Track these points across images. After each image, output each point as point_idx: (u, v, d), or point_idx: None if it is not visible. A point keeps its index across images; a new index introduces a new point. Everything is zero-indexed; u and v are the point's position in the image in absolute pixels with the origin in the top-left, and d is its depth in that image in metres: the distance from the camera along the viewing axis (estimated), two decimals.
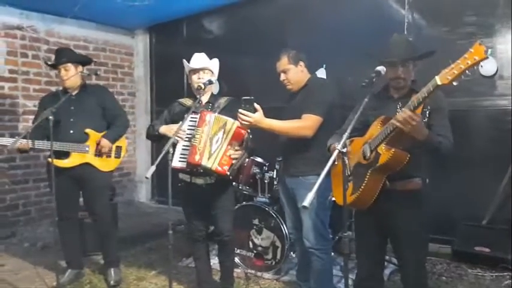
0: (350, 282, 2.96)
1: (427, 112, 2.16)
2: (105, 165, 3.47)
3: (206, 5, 5.35)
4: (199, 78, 2.92)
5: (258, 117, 2.61)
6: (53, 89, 5.34)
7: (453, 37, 4.02)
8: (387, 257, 3.32)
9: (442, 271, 3.65)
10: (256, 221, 3.67)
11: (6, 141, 3.28)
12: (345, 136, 1.95)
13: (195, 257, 3.21)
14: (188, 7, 5.36)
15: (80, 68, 3.48)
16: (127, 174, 6.44)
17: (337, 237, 3.70)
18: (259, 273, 3.61)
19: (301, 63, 2.87)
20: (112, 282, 3.47)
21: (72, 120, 3.39)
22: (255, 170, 3.86)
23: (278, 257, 3.55)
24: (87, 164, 3.39)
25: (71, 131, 3.37)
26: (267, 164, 3.91)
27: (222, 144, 2.77)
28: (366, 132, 2.28)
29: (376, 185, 2.17)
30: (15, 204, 5.08)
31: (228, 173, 2.77)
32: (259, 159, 3.89)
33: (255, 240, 3.68)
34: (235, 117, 2.70)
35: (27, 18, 5.14)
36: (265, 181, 3.83)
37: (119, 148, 3.54)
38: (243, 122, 2.62)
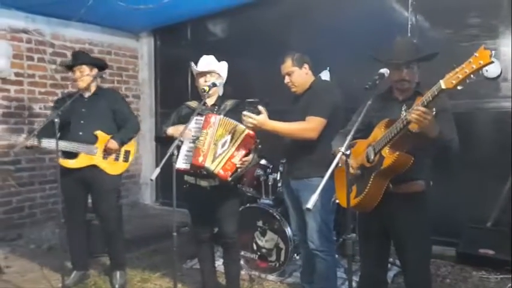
0: (354, 284, 2.98)
1: (433, 114, 2.16)
2: (112, 168, 3.46)
3: (210, 8, 5.37)
4: (206, 81, 2.92)
5: (262, 119, 2.62)
6: (58, 92, 5.41)
7: (457, 39, 4.02)
8: (391, 259, 3.33)
9: (447, 273, 3.65)
10: (260, 223, 3.67)
11: (15, 139, 3.33)
12: (348, 138, 1.96)
13: (200, 259, 3.22)
14: (192, 10, 5.38)
15: (95, 71, 3.52)
16: (132, 176, 6.46)
17: (341, 239, 3.71)
18: (263, 275, 3.61)
19: (306, 65, 2.88)
20: (117, 286, 3.48)
21: (82, 122, 3.42)
22: (259, 172, 3.88)
23: (282, 259, 3.56)
24: (95, 167, 3.40)
25: (80, 133, 3.40)
26: (270, 166, 3.92)
27: (229, 148, 2.76)
28: (370, 134, 2.29)
29: (379, 188, 2.18)
30: (21, 207, 5.11)
31: (230, 179, 2.76)
32: (263, 162, 3.89)
33: (259, 242, 3.68)
34: (240, 120, 2.70)
35: (33, 21, 5.18)
36: (269, 183, 3.84)
37: (127, 152, 3.53)
38: (247, 124, 2.64)
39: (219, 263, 3.35)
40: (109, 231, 3.53)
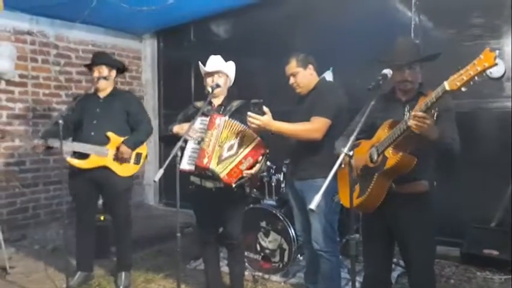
0: (357, 284, 2.97)
1: (435, 114, 2.16)
2: (123, 170, 3.46)
3: (213, 9, 5.38)
4: (213, 82, 2.92)
5: (266, 120, 2.62)
6: (62, 93, 5.44)
7: (460, 39, 4.02)
8: (395, 260, 3.33)
9: (451, 274, 3.64)
10: (263, 224, 3.67)
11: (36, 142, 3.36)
12: (351, 139, 1.96)
13: (205, 260, 3.22)
14: (195, 11, 5.38)
15: (114, 72, 3.55)
16: (135, 177, 6.43)
17: (344, 240, 3.70)
18: (266, 276, 3.62)
19: (310, 66, 2.89)
20: (121, 287, 3.49)
21: (95, 122, 3.44)
22: (262, 173, 3.87)
23: (285, 259, 3.56)
24: (106, 168, 3.40)
25: (92, 133, 3.41)
26: (274, 167, 3.92)
27: (237, 154, 2.74)
28: (373, 134, 2.29)
29: (382, 189, 2.18)
30: (26, 207, 5.13)
31: (233, 185, 2.74)
32: (266, 163, 3.89)
33: (262, 243, 3.68)
34: (245, 121, 2.70)
35: (37, 23, 5.20)
36: (273, 184, 3.84)
37: (139, 155, 3.52)
38: (252, 124, 2.64)
39: (223, 264, 3.35)
40: (119, 231, 3.55)
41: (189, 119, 2.95)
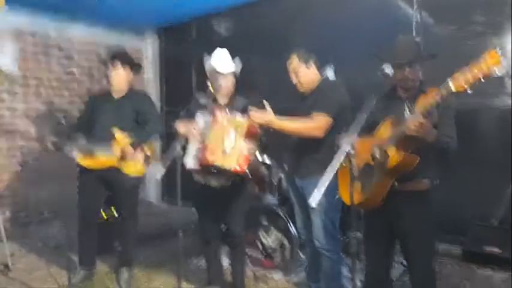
0: (359, 282, 2.98)
1: (436, 111, 2.16)
2: (132, 170, 3.46)
3: (215, 7, 5.38)
4: (226, 82, 2.93)
5: (269, 117, 2.63)
6: (65, 92, 5.45)
7: (462, 36, 3.99)
8: (396, 258, 3.32)
9: (452, 271, 3.64)
10: (264, 221, 3.68)
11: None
12: (352, 137, 1.96)
13: (206, 258, 3.24)
14: (197, 9, 5.39)
15: (131, 73, 3.55)
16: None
17: (346, 238, 3.70)
18: (268, 274, 3.62)
19: (312, 64, 2.89)
20: (123, 283, 3.50)
21: (107, 122, 3.44)
22: (264, 170, 3.88)
23: (287, 257, 3.56)
24: (114, 167, 3.41)
25: (102, 133, 3.42)
26: (275, 165, 3.92)
27: (236, 143, 2.76)
28: (374, 132, 2.29)
29: (384, 187, 2.18)
30: (28, 205, 5.14)
31: (247, 171, 2.76)
32: (267, 160, 3.90)
33: (264, 241, 3.69)
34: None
35: (40, 23, 5.21)
36: (274, 181, 3.84)
37: (147, 155, 3.51)
38: (255, 121, 2.64)
39: (224, 262, 3.36)
40: (124, 228, 3.57)
41: (193, 115, 2.96)
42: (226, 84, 2.92)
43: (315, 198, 1.75)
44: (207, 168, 2.79)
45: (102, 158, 3.39)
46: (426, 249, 2.30)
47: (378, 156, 2.19)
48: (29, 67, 5.14)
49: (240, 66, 3.02)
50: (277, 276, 3.60)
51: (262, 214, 3.69)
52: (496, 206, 3.84)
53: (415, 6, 4.31)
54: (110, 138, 3.40)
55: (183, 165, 2.69)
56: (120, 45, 6.07)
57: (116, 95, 3.53)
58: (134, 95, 3.61)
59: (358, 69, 4.25)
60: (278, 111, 2.70)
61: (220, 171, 2.78)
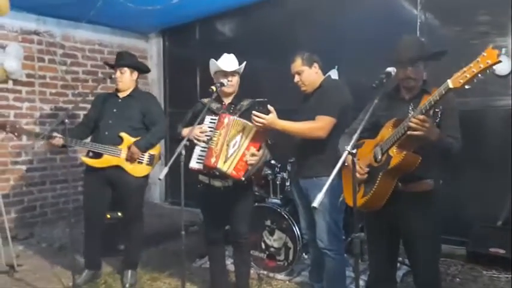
0: (362, 283, 2.97)
1: (439, 113, 2.16)
2: (136, 170, 3.46)
3: (218, 8, 5.39)
4: (229, 81, 2.92)
5: (271, 118, 2.63)
6: (69, 92, 5.48)
7: (466, 37, 3.98)
8: (400, 259, 3.32)
9: (457, 272, 3.63)
10: (268, 222, 3.68)
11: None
12: (354, 137, 1.96)
13: (210, 258, 3.24)
14: (200, 10, 5.40)
15: (136, 73, 3.57)
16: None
17: (350, 239, 3.70)
18: (271, 274, 3.62)
19: (315, 64, 2.89)
20: (127, 285, 3.51)
21: (110, 122, 3.46)
22: (267, 171, 3.88)
23: (290, 258, 3.56)
24: (119, 167, 3.42)
25: (106, 133, 3.44)
26: (279, 165, 3.92)
27: (239, 148, 2.76)
28: (377, 133, 2.28)
29: (387, 188, 2.18)
30: (33, 206, 5.17)
31: (243, 179, 2.76)
32: (271, 161, 3.90)
33: (267, 241, 3.69)
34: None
35: (44, 23, 5.24)
36: (277, 182, 3.84)
37: (151, 156, 3.51)
38: (257, 123, 2.64)
39: (228, 262, 3.36)
40: (129, 230, 3.58)
41: (197, 117, 2.95)
42: (230, 83, 2.91)
43: (316, 199, 1.75)
44: (209, 170, 2.79)
45: (106, 157, 3.40)
46: (430, 250, 2.29)
47: (379, 156, 2.19)
48: (33, 66, 5.16)
49: (243, 66, 3.01)
50: (281, 276, 3.60)
51: (266, 215, 3.69)
52: (501, 207, 3.82)
53: (419, 7, 4.30)
54: (115, 137, 3.41)
55: (186, 166, 2.70)
56: (124, 45, 6.15)
57: (121, 95, 3.55)
58: (139, 95, 3.63)
59: (363, 70, 4.25)
60: (282, 112, 2.70)
61: (222, 175, 2.78)
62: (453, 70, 1.82)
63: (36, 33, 5.17)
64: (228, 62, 2.96)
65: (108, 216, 4.08)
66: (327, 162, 2.63)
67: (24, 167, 5.08)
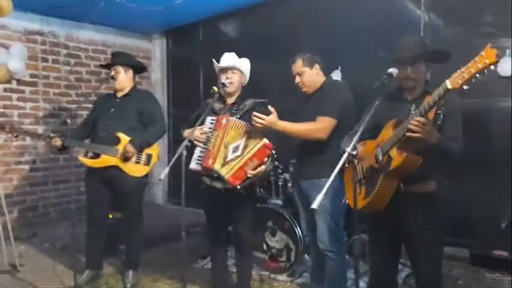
0: (363, 284, 2.96)
1: (441, 114, 2.14)
2: (134, 170, 3.45)
3: (222, 8, 5.39)
4: (228, 78, 2.89)
5: (272, 119, 2.62)
6: (72, 92, 5.50)
7: (470, 37, 3.96)
8: (402, 260, 3.30)
9: (459, 275, 3.60)
10: (270, 223, 3.67)
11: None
12: (355, 138, 1.95)
13: (212, 259, 3.23)
14: (204, 11, 5.40)
15: (131, 72, 3.57)
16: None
17: (351, 240, 3.68)
18: (273, 275, 3.62)
19: (317, 65, 2.88)
20: (129, 285, 3.51)
21: (108, 122, 3.46)
22: (268, 173, 3.87)
23: (292, 259, 3.56)
24: (117, 168, 3.42)
25: (104, 133, 3.44)
26: (280, 167, 3.91)
27: (242, 156, 2.70)
28: (379, 134, 2.27)
29: (388, 189, 2.16)
30: (36, 206, 5.19)
31: (239, 188, 2.71)
32: (272, 164, 3.88)
33: (269, 242, 3.68)
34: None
35: (47, 23, 5.26)
36: (279, 183, 3.83)
37: (149, 155, 3.49)
38: (257, 124, 2.63)
39: (230, 263, 3.36)
40: (129, 230, 3.58)
41: (199, 118, 2.94)
42: (229, 80, 2.89)
43: (316, 201, 1.74)
44: (207, 171, 2.78)
45: (104, 158, 3.41)
46: (433, 252, 2.27)
47: (380, 158, 2.17)
48: (36, 67, 5.18)
49: (247, 65, 3.00)
50: (282, 278, 3.59)
51: (268, 216, 3.68)
52: (504, 209, 3.79)
53: (423, 8, 4.29)
54: (112, 137, 3.41)
55: (188, 166, 2.69)
56: (127, 46, 6.16)
57: (119, 94, 3.56)
58: (137, 94, 3.62)
59: (366, 71, 4.23)
60: (285, 113, 2.69)
61: (219, 177, 2.75)
62: (455, 71, 1.80)
63: (40, 33, 5.19)
64: (226, 58, 2.95)
65: (110, 215, 4.09)
66: (328, 164, 2.61)
67: (27, 167, 5.10)
